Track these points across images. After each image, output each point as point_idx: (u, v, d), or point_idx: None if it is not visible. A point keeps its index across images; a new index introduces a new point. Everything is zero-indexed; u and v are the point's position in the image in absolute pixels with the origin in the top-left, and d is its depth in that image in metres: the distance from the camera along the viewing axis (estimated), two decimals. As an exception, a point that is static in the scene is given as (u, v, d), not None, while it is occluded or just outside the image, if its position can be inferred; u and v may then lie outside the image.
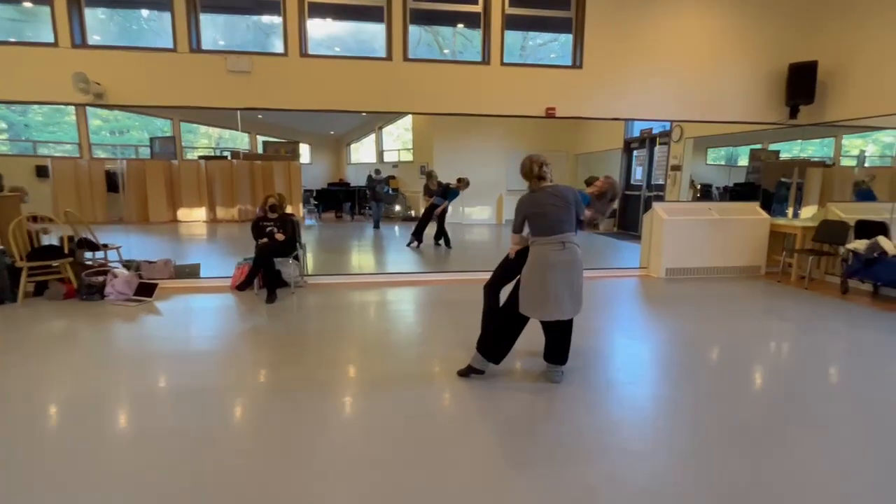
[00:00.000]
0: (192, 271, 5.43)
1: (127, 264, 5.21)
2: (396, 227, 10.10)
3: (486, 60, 5.55)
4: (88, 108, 6.08)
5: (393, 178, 10.83)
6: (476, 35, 5.65)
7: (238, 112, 5.47)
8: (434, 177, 7.78)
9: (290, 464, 2.07)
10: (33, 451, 2.16)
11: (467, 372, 2.92)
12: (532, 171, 2.75)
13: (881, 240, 4.73)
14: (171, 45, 5.04)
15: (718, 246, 5.95)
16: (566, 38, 5.77)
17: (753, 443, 2.28)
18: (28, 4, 5.17)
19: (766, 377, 3.12)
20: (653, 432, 2.39)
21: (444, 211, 7.58)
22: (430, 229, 7.69)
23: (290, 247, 4.99)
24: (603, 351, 3.51)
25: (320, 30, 5.53)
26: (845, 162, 6.36)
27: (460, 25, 6.19)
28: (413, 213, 10.38)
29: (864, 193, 5.81)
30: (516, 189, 3.49)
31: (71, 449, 2.18)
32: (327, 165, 12.11)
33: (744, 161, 7.49)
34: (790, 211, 6.47)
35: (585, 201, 3.01)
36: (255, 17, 5.87)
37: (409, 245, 7.67)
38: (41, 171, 7.27)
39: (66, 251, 4.77)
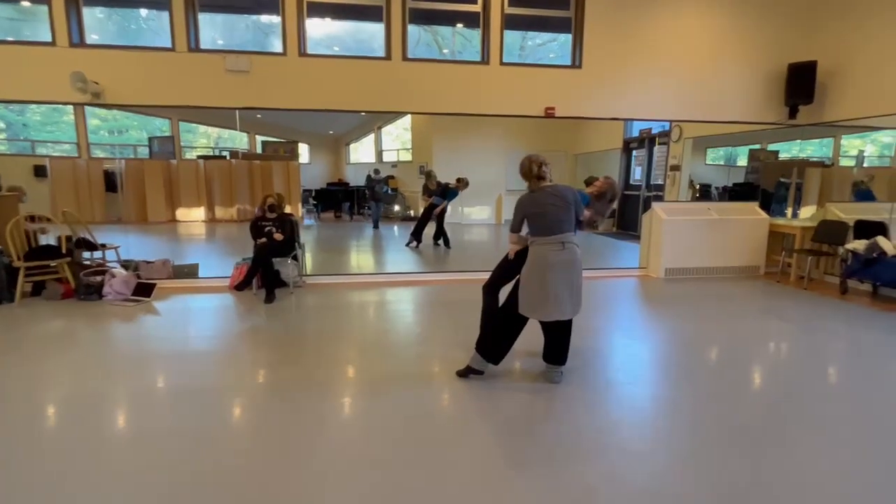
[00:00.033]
0: (190, 271, 5.42)
1: (125, 264, 5.20)
2: (395, 227, 10.09)
3: (485, 60, 5.55)
4: (87, 108, 6.06)
5: (392, 177, 10.82)
6: (475, 35, 5.65)
7: (237, 112, 5.46)
8: (433, 176, 7.77)
9: (289, 464, 2.06)
10: (32, 451, 2.15)
11: (466, 372, 2.91)
12: (531, 170, 2.74)
13: (880, 240, 4.73)
14: (169, 45, 5.02)
15: (718, 246, 5.95)
16: (565, 38, 5.76)
17: (753, 443, 2.27)
18: (26, 3, 5.15)
19: (765, 377, 3.11)
20: (652, 432, 2.39)
21: (444, 211, 7.57)
22: (430, 229, 7.68)
23: (289, 247, 4.98)
24: (602, 351, 3.50)
25: (319, 29, 5.52)
26: (844, 162, 6.37)
27: (459, 25, 6.19)
28: (412, 212, 10.37)
29: (863, 193, 5.81)
30: (515, 189, 3.49)
31: (69, 449, 2.17)
32: (326, 165, 12.10)
33: (743, 161, 7.49)
34: (789, 211, 6.47)
35: (585, 201, 3.00)
36: (253, 17, 5.86)
37: (408, 245, 7.66)
38: (39, 171, 7.25)
39: (63, 251, 4.75)
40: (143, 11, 5.96)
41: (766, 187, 6.68)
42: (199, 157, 8.91)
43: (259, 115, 7.62)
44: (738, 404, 2.69)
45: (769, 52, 5.91)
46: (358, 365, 3.23)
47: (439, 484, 1.95)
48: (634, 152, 9.66)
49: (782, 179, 6.56)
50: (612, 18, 5.60)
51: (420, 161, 10.21)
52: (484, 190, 9.03)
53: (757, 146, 7.08)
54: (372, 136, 11.77)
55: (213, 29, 5.40)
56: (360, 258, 7.52)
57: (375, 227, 9.66)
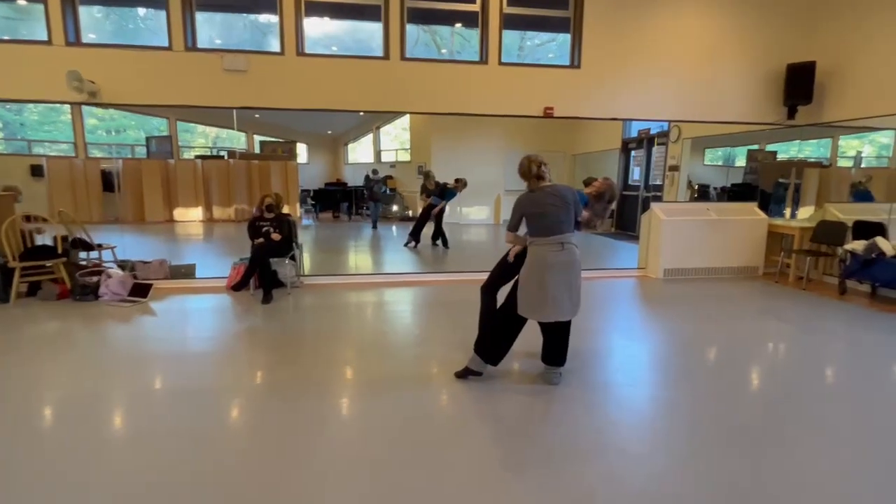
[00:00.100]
0: (187, 272, 5.39)
1: (122, 264, 5.17)
2: (394, 228, 10.07)
3: (483, 60, 5.53)
4: (84, 108, 6.04)
5: (390, 177, 10.81)
6: (474, 34, 5.63)
7: (234, 111, 5.44)
8: (432, 177, 7.76)
9: (288, 464, 2.05)
10: (31, 452, 2.13)
11: (465, 374, 2.89)
12: (531, 170, 2.73)
13: (879, 240, 4.73)
14: (166, 44, 5.00)
15: (716, 246, 5.95)
16: (564, 38, 5.75)
17: (752, 443, 2.26)
18: (22, 2, 5.13)
19: (764, 378, 3.10)
20: (651, 433, 2.38)
21: (442, 211, 7.55)
22: (428, 229, 7.67)
23: (287, 247, 4.96)
24: (601, 352, 3.49)
25: (317, 29, 5.50)
26: (842, 163, 6.37)
27: (458, 25, 6.18)
28: (410, 213, 10.35)
29: (861, 194, 5.81)
30: (514, 189, 3.47)
31: (67, 450, 2.15)
32: (324, 165, 12.08)
33: (741, 161, 7.49)
34: (788, 211, 6.47)
35: (583, 202, 2.99)
36: (251, 16, 5.84)
37: (406, 245, 7.65)
38: (36, 171, 7.21)
39: (59, 251, 4.73)
40: (142, 11, 5.94)
41: (764, 188, 6.68)
42: (197, 156, 8.89)
43: (257, 115, 7.60)
44: (737, 405, 2.68)
45: (768, 52, 5.91)
46: (356, 366, 3.21)
47: (437, 485, 1.94)
48: (633, 153, 9.66)
49: (781, 180, 6.56)
50: (611, 18, 5.59)
51: (418, 161, 10.20)
52: (482, 190, 9.02)
53: (755, 146, 7.08)
54: (370, 136, 11.76)
55: (211, 28, 5.38)
56: (359, 258, 7.51)
57: (374, 227, 9.64)
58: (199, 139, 9.35)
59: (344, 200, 11.01)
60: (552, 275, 2.65)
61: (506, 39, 5.57)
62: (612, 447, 2.23)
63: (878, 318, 4.36)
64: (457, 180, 7.62)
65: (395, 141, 11.60)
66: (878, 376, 3.11)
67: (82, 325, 3.97)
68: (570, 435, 2.33)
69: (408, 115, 9.99)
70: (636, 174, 9.58)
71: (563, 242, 2.67)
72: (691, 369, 3.18)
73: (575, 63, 5.67)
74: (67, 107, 6.36)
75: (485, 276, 3.26)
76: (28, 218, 5.02)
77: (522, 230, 2.83)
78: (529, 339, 3.02)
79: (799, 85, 5.83)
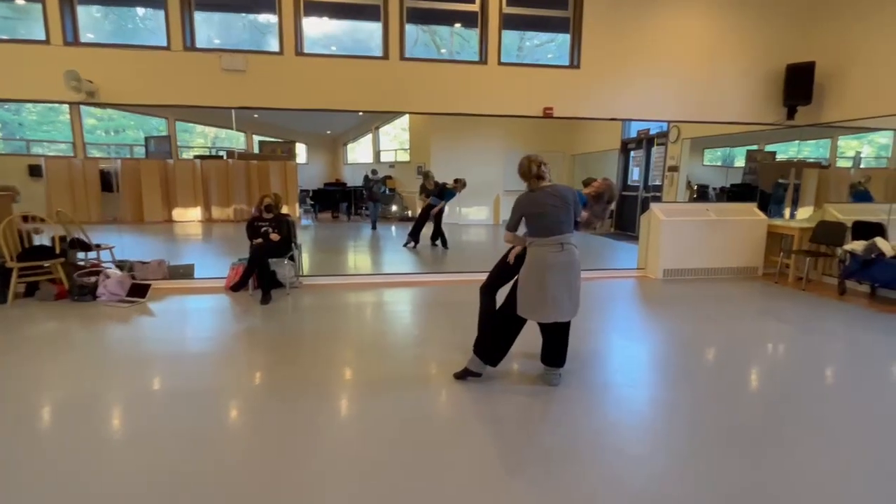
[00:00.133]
0: (186, 272, 5.38)
1: (120, 265, 5.16)
2: (393, 228, 10.06)
3: (483, 60, 5.53)
4: (83, 108, 6.03)
5: (390, 178, 10.80)
6: (473, 35, 5.63)
7: (233, 111, 5.43)
8: (431, 177, 7.75)
9: (287, 465, 2.04)
10: (29, 453, 2.12)
11: (464, 375, 2.88)
12: (531, 170, 2.71)
13: (879, 241, 4.72)
14: (164, 44, 4.99)
15: (716, 247, 5.94)
16: (564, 38, 5.75)
17: (752, 444, 2.26)
18: (20, 1, 5.11)
19: (763, 378, 3.10)
20: (651, 434, 2.37)
21: (441, 211, 7.54)
22: (428, 230, 7.66)
23: (286, 247, 4.95)
24: (600, 353, 3.49)
25: (316, 28, 5.49)
26: (841, 163, 6.37)
27: (457, 25, 6.17)
28: (410, 213, 10.35)
29: (860, 195, 5.81)
30: (513, 189, 3.46)
31: (66, 451, 2.14)
32: (324, 165, 12.08)
33: (740, 162, 7.49)
34: (787, 212, 6.47)
35: (582, 202, 2.98)
36: (250, 16, 5.83)
37: (405, 246, 7.64)
38: (34, 171, 7.20)
39: (57, 251, 4.71)
40: (141, 11, 5.93)
41: (763, 188, 6.68)
42: (196, 156, 8.88)
43: (256, 115, 7.60)
44: (737, 405, 2.68)
45: (768, 52, 5.91)
46: (355, 366, 3.20)
47: (437, 486, 1.93)
48: (632, 153, 9.66)
49: (780, 180, 6.56)
50: (610, 18, 5.59)
51: (418, 161, 10.19)
52: (482, 190, 9.02)
53: (754, 147, 7.08)
54: (370, 137, 11.75)
55: (210, 28, 5.37)
56: (358, 259, 7.50)
57: (373, 227, 9.63)
58: (197, 139, 9.34)
59: (343, 201, 11.01)
60: (552, 275, 2.64)
61: (505, 39, 5.57)
62: (611, 448, 2.22)
63: (878, 318, 4.36)
64: (456, 180, 7.62)
65: (394, 141, 11.60)
66: (877, 377, 3.10)
67: (80, 325, 3.95)
68: (569, 436, 2.32)
69: (407, 116, 9.98)
70: (635, 174, 9.58)
71: (562, 243, 2.66)
72: (691, 370, 3.18)
73: (574, 63, 5.66)
74: (66, 107, 6.35)
75: (484, 277, 3.25)
76: (26, 218, 5.01)
77: (521, 230, 2.82)
78: (529, 339, 3.01)
79: (798, 85, 5.83)
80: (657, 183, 8.28)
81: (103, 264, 5.09)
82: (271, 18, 5.23)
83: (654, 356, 3.48)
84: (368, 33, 5.54)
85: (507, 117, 5.71)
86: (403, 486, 1.93)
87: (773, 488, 1.93)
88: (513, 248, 2.99)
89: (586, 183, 3.26)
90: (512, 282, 2.90)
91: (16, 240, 4.59)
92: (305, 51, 5.24)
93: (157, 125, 8.63)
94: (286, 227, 4.97)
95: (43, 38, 4.78)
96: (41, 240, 4.96)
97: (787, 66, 5.87)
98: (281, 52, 5.17)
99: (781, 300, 4.99)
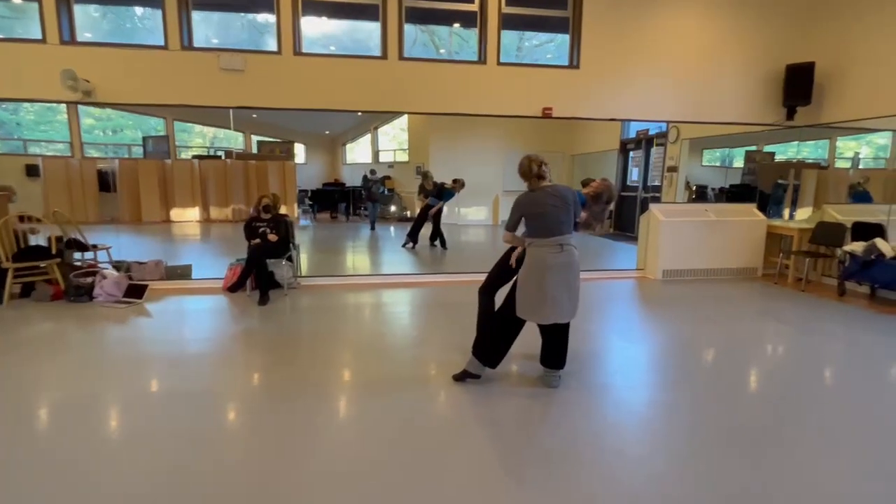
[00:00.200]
0: (183, 272, 5.35)
1: (117, 265, 5.13)
2: (392, 228, 10.04)
3: (482, 60, 5.51)
4: (81, 107, 6.00)
5: (388, 178, 10.78)
6: (472, 35, 5.61)
7: (231, 111, 5.40)
8: (430, 177, 7.74)
9: (286, 465, 2.03)
10: (29, 453, 2.10)
11: (463, 376, 2.86)
12: (531, 170, 2.70)
13: (878, 242, 4.72)
14: (162, 43, 4.96)
15: (715, 247, 5.93)
16: (563, 38, 5.74)
17: (752, 444, 2.25)
18: (17, 0, 5.08)
19: (763, 379, 3.08)
20: (650, 436, 2.36)
21: (440, 211, 7.53)
22: (426, 230, 7.64)
23: (284, 248, 4.93)
24: (600, 354, 3.47)
25: (315, 28, 5.48)
26: (839, 164, 6.37)
27: (456, 25, 6.16)
28: (409, 213, 10.33)
29: (859, 195, 5.81)
30: (513, 189, 3.45)
31: (65, 452, 2.12)
32: (322, 165, 12.06)
33: (739, 162, 7.48)
34: (786, 212, 6.46)
35: (581, 202, 2.96)
36: (248, 15, 5.81)
37: (404, 246, 7.62)
38: (31, 171, 7.17)
39: (53, 252, 4.68)
40: (139, 10, 5.90)
41: (762, 189, 6.67)
42: (194, 156, 8.86)
43: (254, 115, 7.57)
44: (737, 406, 2.66)
45: (767, 52, 5.91)
46: (353, 368, 3.18)
47: (436, 488, 1.91)
48: (631, 153, 9.66)
49: (779, 181, 6.55)
50: (610, 18, 5.58)
51: (417, 161, 10.18)
52: (481, 190, 9.01)
53: (753, 147, 7.08)
54: (368, 137, 11.74)
55: (208, 27, 5.35)
56: (356, 259, 7.48)
57: (372, 227, 9.62)
58: (196, 139, 9.31)
59: (342, 201, 10.99)
60: (551, 276, 2.63)
61: (504, 39, 5.56)
62: (611, 450, 2.21)
63: (877, 319, 4.35)
64: (455, 181, 7.60)
65: (393, 141, 11.59)
66: (877, 377, 3.09)
67: (77, 326, 3.93)
68: (569, 437, 2.31)
69: (406, 116, 9.97)
70: (634, 175, 9.58)
71: (562, 244, 2.65)
72: (690, 371, 3.16)
73: (574, 63, 5.65)
74: (63, 106, 6.32)
75: (482, 278, 3.23)
76: (22, 218, 4.98)
77: (520, 231, 2.80)
78: (528, 341, 2.99)
79: (798, 86, 5.82)
80: (656, 183, 8.28)
81: (100, 265, 5.06)
82: (269, 18, 5.21)
83: (654, 357, 3.47)
84: (367, 33, 5.53)
85: (506, 117, 5.70)
86: (402, 486, 1.91)
87: (772, 488, 1.92)
88: (514, 250, 2.97)
89: (585, 183, 3.24)
90: (511, 283, 2.88)
91: (11, 240, 4.57)
92: (304, 50, 5.22)
93: (155, 125, 8.60)
94: (284, 228, 4.95)
95: (39, 37, 4.76)
96: (37, 240, 4.93)
97: (787, 66, 5.86)
98: (279, 52, 5.15)
99: (781, 301, 4.98)
